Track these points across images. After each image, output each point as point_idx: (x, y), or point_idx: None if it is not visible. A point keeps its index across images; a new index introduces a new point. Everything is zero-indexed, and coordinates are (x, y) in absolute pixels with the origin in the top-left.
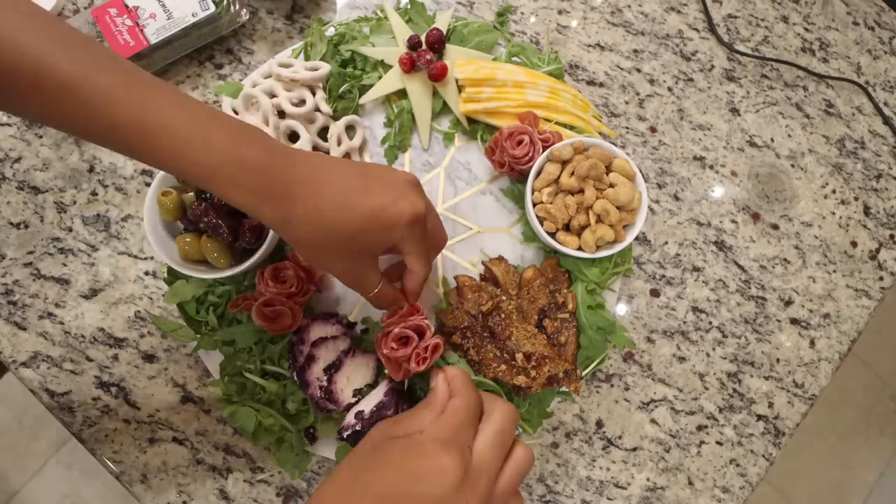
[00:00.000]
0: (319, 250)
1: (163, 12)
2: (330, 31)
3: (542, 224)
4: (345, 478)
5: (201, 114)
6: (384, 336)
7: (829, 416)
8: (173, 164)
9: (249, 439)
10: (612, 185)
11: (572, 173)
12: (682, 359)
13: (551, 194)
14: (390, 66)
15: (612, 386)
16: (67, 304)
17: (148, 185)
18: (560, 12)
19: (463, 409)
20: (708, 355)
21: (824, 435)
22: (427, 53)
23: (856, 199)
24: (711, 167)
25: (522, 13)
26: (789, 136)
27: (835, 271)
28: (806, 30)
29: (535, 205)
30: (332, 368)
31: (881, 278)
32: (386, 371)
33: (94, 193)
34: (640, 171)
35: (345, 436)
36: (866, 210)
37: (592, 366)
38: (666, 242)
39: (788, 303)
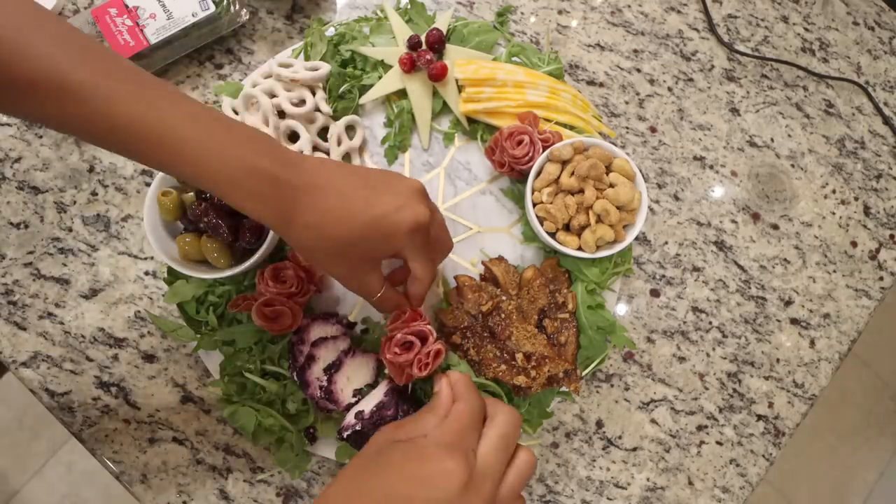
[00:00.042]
0: (322, 256)
1: (163, 12)
2: (330, 31)
3: (542, 224)
4: (349, 482)
5: (215, 125)
6: (387, 341)
7: (829, 416)
8: (189, 174)
9: (249, 439)
10: (612, 185)
11: (572, 173)
12: (682, 359)
13: (551, 194)
14: (390, 66)
15: (612, 386)
16: (67, 304)
17: (148, 185)
18: (560, 12)
19: (466, 414)
20: (708, 355)
21: (824, 435)
22: (427, 53)
23: (856, 199)
24: (711, 167)
25: (522, 13)
26: (789, 136)
27: (835, 271)
28: (806, 30)
29: (535, 205)
30: (332, 368)
31: (881, 278)
32: (386, 371)
33: (94, 193)
34: (640, 171)
35: (345, 436)
36: (866, 210)
37: (592, 366)
38: (666, 242)
39: (788, 303)
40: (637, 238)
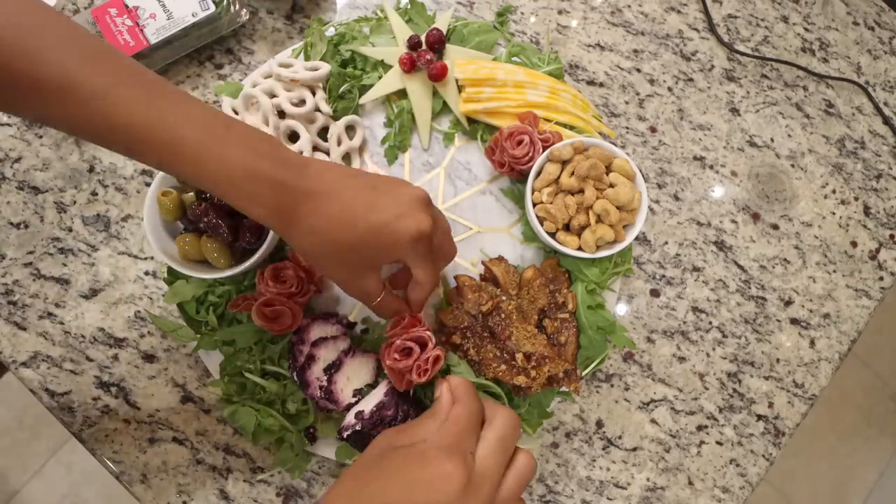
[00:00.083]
0: (324, 260)
1: (163, 12)
2: (330, 31)
3: (542, 224)
4: (349, 487)
5: (218, 127)
6: (387, 347)
7: (829, 416)
8: (191, 175)
9: (249, 439)
10: (612, 185)
11: (572, 173)
12: (682, 359)
13: (551, 194)
14: (390, 66)
15: (612, 386)
16: (67, 304)
17: (148, 185)
18: (560, 12)
19: (465, 417)
20: (708, 355)
21: (824, 435)
22: (427, 53)
23: (856, 199)
24: (711, 167)
25: (522, 13)
26: (789, 136)
27: (835, 271)
28: (806, 30)
29: (535, 205)
30: (332, 368)
31: (881, 278)
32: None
33: (94, 193)
34: (640, 171)
35: (345, 436)
36: (866, 210)
37: (592, 366)
38: (666, 242)
39: (788, 303)
40: (637, 238)
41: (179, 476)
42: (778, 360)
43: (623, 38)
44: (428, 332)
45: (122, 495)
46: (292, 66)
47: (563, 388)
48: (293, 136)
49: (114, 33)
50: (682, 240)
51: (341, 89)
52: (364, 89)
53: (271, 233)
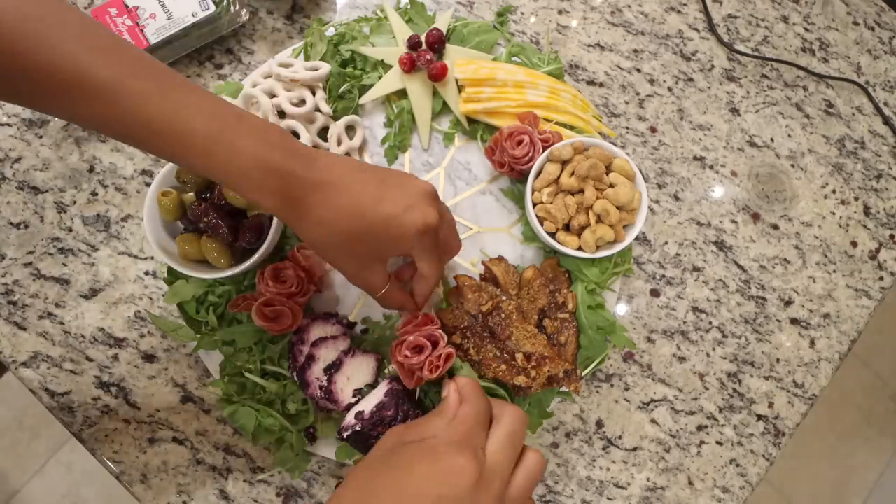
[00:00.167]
0: (331, 251)
1: (163, 12)
2: (330, 31)
3: (542, 224)
4: (360, 482)
5: (230, 118)
6: (399, 344)
7: (829, 416)
8: (202, 166)
9: (249, 439)
10: (612, 185)
11: (572, 173)
12: (682, 359)
13: (551, 194)
14: (390, 66)
15: (612, 386)
16: (67, 304)
17: (148, 185)
18: (560, 12)
19: (473, 414)
20: (708, 355)
21: (824, 435)
22: (427, 53)
23: (856, 199)
24: (711, 167)
25: (522, 13)
26: (789, 136)
27: (835, 271)
28: (806, 30)
29: (535, 205)
30: (332, 368)
31: (881, 278)
32: (386, 371)
33: (94, 193)
34: (640, 171)
35: (345, 436)
36: (866, 210)
37: (592, 366)
38: (666, 242)
39: (788, 303)
40: (637, 238)
41: (179, 476)
42: (778, 360)
43: (623, 38)
44: (440, 331)
45: (122, 495)
46: (292, 66)
47: (563, 388)
48: (288, 132)
49: None
50: (682, 240)
51: (341, 89)
52: (364, 89)
53: (271, 233)
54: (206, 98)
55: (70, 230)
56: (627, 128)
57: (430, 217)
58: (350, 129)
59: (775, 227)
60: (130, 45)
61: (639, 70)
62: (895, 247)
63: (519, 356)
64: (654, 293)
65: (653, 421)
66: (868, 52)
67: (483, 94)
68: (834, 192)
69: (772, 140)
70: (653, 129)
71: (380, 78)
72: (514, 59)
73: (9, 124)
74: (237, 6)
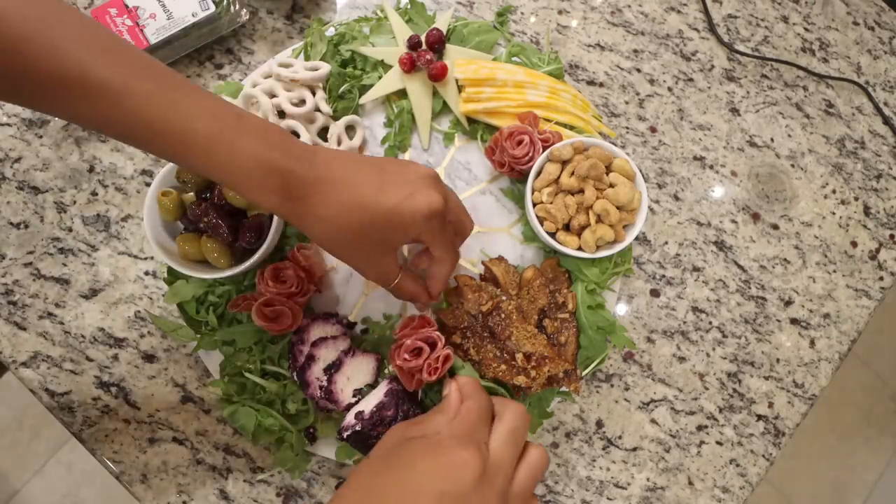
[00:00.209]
0: (338, 247)
1: (163, 12)
2: (330, 31)
3: (542, 224)
4: (363, 480)
5: (231, 119)
6: (397, 347)
7: (829, 416)
8: (203, 166)
9: (249, 439)
10: (612, 185)
11: (572, 173)
12: (682, 359)
13: (551, 194)
14: (390, 66)
15: (612, 386)
16: (67, 304)
17: (148, 185)
18: (560, 12)
19: (475, 409)
20: (708, 355)
21: (824, 435)
22: (427, 53)
23: (856, 199)
24: (711, 167)
25: (522, 13)
26: (789, 136)
27: (835, 271)
28: (806, 30)
29: (535, 205)
30: (332, 368)
31: (881, 278)
32: (386, 371)
33: (94, 193)
34: (640, 171)
35: (345, 436)
36: (866, 210)
37: (592, 366)
38: (666, 242)
39: (788, 303)
40: (637, 238)
41: (179, 476)
42: (778, 360)
43: (623, 38)
44: (437, 333)
45: (122, 495)
46: (292, 66)
47: (563, 388)
48: (287, 130)
49: None
50: (682, 240)
51: (341, 89)
52: (364, 89)
53: (271, 233)
54: (206, 98)
55: (70, 230)
56: (627, 128)
57: (434, 200)
58: (350, 129)
59: (775, 227)
60: (131, 46)
61: (639, 70)
62: (895, 247)
63: (519, 356)
64: (654, 293)
65: (653, 421)
66: (868, 52)
67: (483, 94)
68: (834, 192)
69: (772, 140)
70: (653, 129)
71: (380, 78)
72: (514, 59)
73: (9, 124)
74: (237, 6)
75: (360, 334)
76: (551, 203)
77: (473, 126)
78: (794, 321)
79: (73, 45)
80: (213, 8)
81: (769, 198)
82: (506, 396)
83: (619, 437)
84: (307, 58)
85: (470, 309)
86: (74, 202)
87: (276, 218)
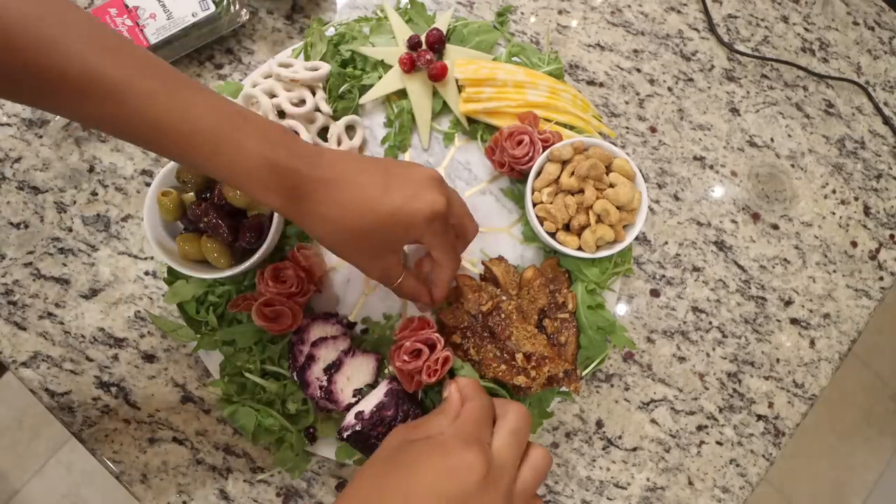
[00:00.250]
0: (341, 247)
1: (163, 12)
2: (330, 31)
3: (542, 224)
4: (367, 482)
5: (235, 118)
6: (397, 349)
7: (829, 416)
8: (208, 166)
9: (249, 439)
10: (612, 185)
11: (572, 173)
12: (682, 359)
13: (551, 194)
14: (390, 66)
15: (612, 386)
16: (67, 304)
17: (148, 185)
18: (560, 12)
19: (477, 411)
20: (708, 355)
21: (824, 435)
22: (427, 53)
23: (856, 199)
24: (711, 167)
25: (522, 13)
26: (789, 136)
27: (835, 271)
28: (806, 30)
29: (535, 205)
30: (332, 368)
31: (881, 278)
32: (386, 371)
33: (94, 193)
34: (640, 171)
35: (345, 436)
36: (866, 210)
37: (592, 366)
38: (666, 242)
39: (788, 303)
40: (637, 238)
41: (179, 476)
42: (778, 360)
43: (623, 38)
44: (436, 334)
45: (122, 495)
46: (292, 66)
47: (563, 388)
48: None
49: None
50: (682, 240)
51: (341, 89)
52: (364, 89)
53: (271, 233)
54: (212, 98)
55: (70, 230)
56: (627, 128)
57: (437, 203)
58: (350, 129)
59: (775, 227)
60: (136, 45)
61: (639, 70)
62: (895, 247)
63: (519, 356)
64: (654, 293)
65: (653, 421)
66: (868, 52)
67: (483, 94)
68: (834, 192)
69: (772, 140)
70: (653, 129)
71: (380, 78)
72: (514, 59)
73: (9, 124)
74: (237, 6)
75: (360, 334)
76: (551, 203)
77: (473, 126)
78: (794, 321)
79: (76, 42)
80: (213, 8)
81: (769, 198)
82: (506, 396)
83: (619, 437)
84: (307, 58)
85: (470, 309)
86: (74, 202)
87: (276, 218)
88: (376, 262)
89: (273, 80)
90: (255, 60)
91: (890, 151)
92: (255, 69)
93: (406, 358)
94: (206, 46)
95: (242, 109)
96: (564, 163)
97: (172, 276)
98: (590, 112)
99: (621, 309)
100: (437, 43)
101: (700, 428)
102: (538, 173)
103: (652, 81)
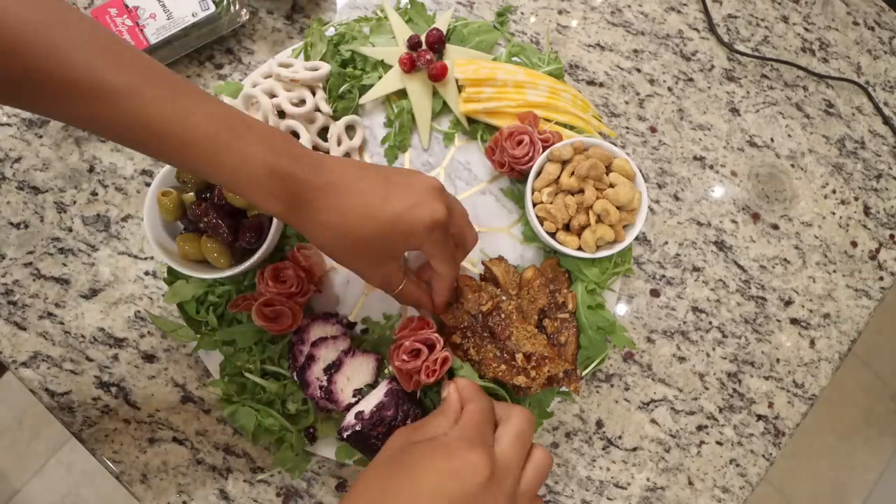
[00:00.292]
0: (341, 254)
1: (163, 12)
2: (330, 31)
3: (542, 224)
4: (371, 484)
5: (238, 125)
6: (396, 349)
7: (829, 416)
8: (210, 172)
9: (249, 439)
10: (612, 185)
11: (572, 173)
12: (682, 359)
13: (551, 194)
14: (390, 66)
15: (612, 386)
16: (67, 304)
17: (148, 185)
18: (560, 12)
19: (478, 412)
20: (708, 355)
21: (824, 435)
22: (427, 53)
23: (856, 199)
24: (711, 167)
25: (522, 13)
26: (789, 136)
27: (835, 271)
28: (806, 30)
29: (535, 205)
30: (332, 368)
31: (881, 278)
32: (386, 371)
33: (94, 193)
34: (640, 171)
35: (345, 436)
36: (866, 210)
37: (592, 366)
38: (666, 242)
39: (788, 303)
40: (637, 238)
41: (179, 476)
42: (778, 360)
43: (623, 38)
44: (436, 335)
45: (122, 495)
46: (292, 66)
47: (563, 388)
48: (293, 137)
49: None
50: (682, 240)
51: (341, 89)
52: (364, 89)
53: (271, 233)
54: (214, 105)
55: (70, 230)
56: (627, 128)
57: (438, 212)
58: (350, 129)
59: (775, 227)
60: (139, 51)
61: (639, 70)
62: (895, 247)
63: (519, 356)
64: (654, 293)
65: (653, 421)
66: (868, 52)
67: (483, 94)
68: (834, 192)
69: (772, 140)
70: (653, 129)
71: (380, 78)
72: (514, 59)
73: (9, 124)
74: (237, 6)
75: (360, 334)
76: (551, 203)
77: (473, 126)
78: (794, 321)
79: (78, 47)
80: (213, 8)
81: (769, 198)
82: (506, 396)
83: (619, 437)
84: (307, 58)
85: (470, 309)
86: (74, 202)
87: (276, 218)
88: (377, 269)
89: (273, 80)
90: (255, 60)
91: (890, 151)
92: (255, 69)
93: (405, 357)
94: (206, 46)
95: (245, 116)
96: (564, 163)
97: (172, 276)
98: (590, 112)
99: (621, 309)
100: (437, 43)
101: (700, 428)
102: (538, 173)
103: (652, 81)
